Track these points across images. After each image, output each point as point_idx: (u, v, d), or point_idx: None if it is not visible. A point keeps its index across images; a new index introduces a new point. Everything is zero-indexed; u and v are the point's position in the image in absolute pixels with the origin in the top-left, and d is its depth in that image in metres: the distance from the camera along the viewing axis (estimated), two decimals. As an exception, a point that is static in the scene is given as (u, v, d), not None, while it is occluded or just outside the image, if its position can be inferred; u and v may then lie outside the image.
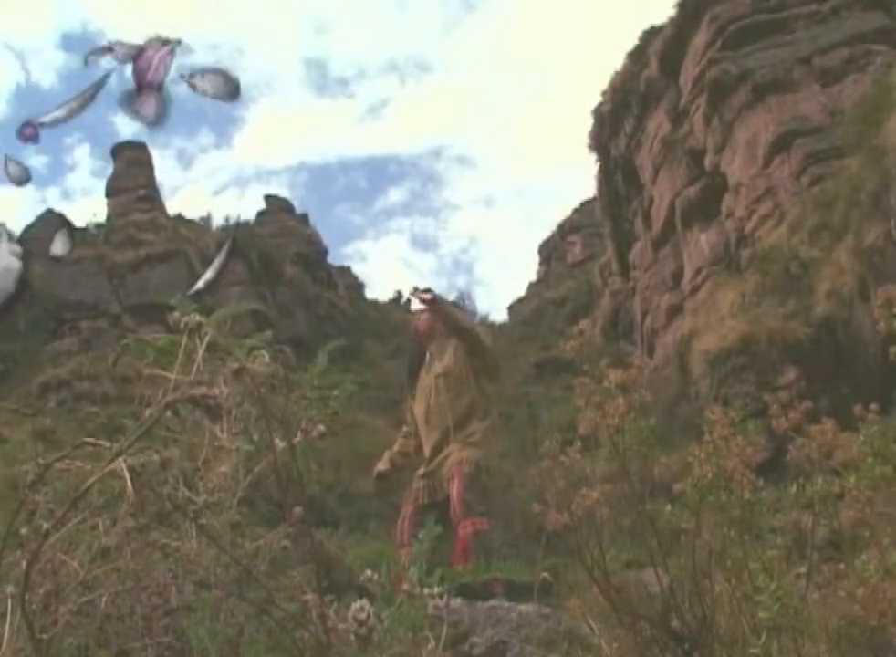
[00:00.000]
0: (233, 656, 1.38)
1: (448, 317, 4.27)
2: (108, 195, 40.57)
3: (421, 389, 4.40)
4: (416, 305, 4.46)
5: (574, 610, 2.56)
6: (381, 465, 4.51)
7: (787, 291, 18.41)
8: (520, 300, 55.44)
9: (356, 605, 1.27)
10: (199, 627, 1.37)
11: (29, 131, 1.37)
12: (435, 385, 4.30)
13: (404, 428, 4.63)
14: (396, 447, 4.59)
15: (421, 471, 4.25)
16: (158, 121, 1.31)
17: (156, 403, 1.27)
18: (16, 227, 37.97)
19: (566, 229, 54.61)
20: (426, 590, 1.41)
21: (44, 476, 1.34)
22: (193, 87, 1.23)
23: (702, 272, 25.33)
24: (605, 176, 32.12)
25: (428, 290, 4.22)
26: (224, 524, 1.48)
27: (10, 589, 1.27)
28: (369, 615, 1.26)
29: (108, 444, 1.32)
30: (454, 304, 5.05)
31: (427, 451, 4.26)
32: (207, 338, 1.29)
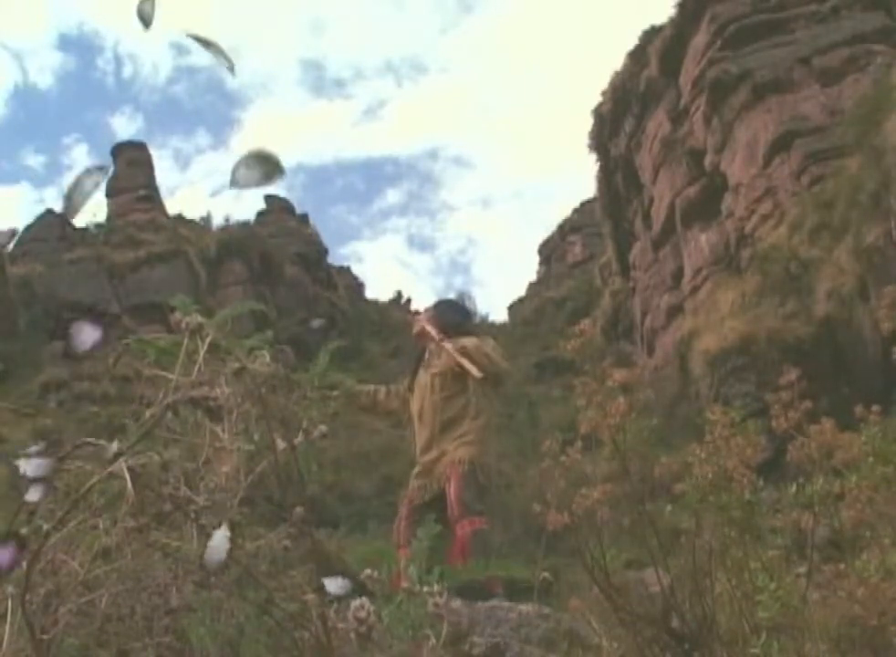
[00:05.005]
0: (233, 656, 1.38)
1: (462, 363, 4.22)
2: (108, 195, 40.55)
3: (418, 386, 4.42)
4: (420, 315, 4.55)
5: (574, 610, 2.56)
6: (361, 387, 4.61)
7: (787, 291, 18.42)
8: (520, 300, 55.44)
9: (355, 603, 1.27)
10: (199, 627, 1.37)
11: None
12: (431, 383, 4.30)
13: (391, 386, 4.69)
14: (373, 389, 4.65)
15: (415, 470, 4.26)
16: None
17: (157, 404, 1.27)
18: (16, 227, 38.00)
19: (566, 229, 54.61)
20: (426, 588, 1.41)
21: (44, 476, 1.34)
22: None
23: (702, 272, 25.33)
24: (605, 176, 32.12)
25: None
26: (224, 524, 1.48)
27: (10, 589, 1.27)
28: (368, 613, 1.26)
29: (108, 445, 1.32)
30: (458, 303, 5.04)
31: (418, 448, 4.28)
32: (209, 340, 1.28)
